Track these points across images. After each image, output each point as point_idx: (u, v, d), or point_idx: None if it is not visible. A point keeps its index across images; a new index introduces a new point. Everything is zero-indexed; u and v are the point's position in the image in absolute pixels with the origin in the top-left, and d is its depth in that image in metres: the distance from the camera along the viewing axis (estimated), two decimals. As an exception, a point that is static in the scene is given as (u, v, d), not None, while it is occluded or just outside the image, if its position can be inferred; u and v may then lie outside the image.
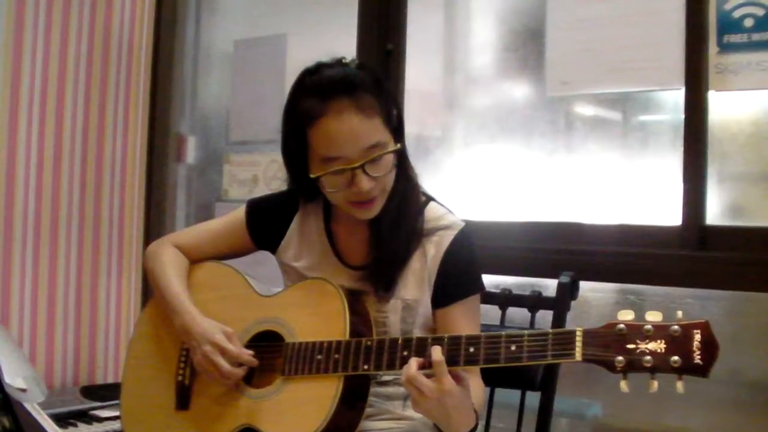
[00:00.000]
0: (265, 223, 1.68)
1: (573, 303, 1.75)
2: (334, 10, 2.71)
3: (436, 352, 1.30)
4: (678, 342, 1.17)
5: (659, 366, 1.18)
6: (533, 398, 1.71)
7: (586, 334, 1.23)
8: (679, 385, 1.17)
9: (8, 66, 2.55)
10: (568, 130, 2.22)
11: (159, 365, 1.65)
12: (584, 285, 1.80)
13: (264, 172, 2.75)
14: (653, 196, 2.04)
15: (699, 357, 1.16)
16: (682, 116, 1.93)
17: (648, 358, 1.18)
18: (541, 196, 2.22)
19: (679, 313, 1.20)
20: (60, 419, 2.23)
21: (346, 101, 1.41)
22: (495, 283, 1.97)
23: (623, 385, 1.19)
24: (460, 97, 2.51)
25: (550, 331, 1.29)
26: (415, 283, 1.53)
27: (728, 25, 1.86)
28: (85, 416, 2.32)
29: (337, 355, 1.42)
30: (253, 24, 2.97)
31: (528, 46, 2.26)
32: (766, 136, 1.90)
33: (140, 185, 2.96)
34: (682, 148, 1.93)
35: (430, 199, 1.60)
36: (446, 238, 1.53)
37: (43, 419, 1.17)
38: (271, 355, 1.52)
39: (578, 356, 1.22)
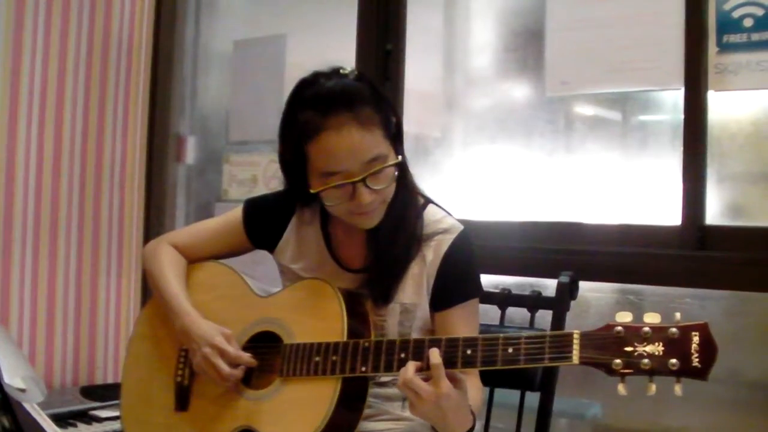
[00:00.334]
0: (263, 223, 1.67)
1: (572, 303, 1.75)
2: (334, 10, 2.71)
3: (434, 356, 1.29)
4: (676, 344, 1.17)
5: (657, 369, 1.17)
6: (533, 398, 1.70)
7: (584, 336, 1.23)
8: (678, 389, 1.17)
9: (8, 66, 2.55)
10: (567, 130, 2.22)
11: (158, 366, 1.65)
12: (584, 285, 1.80)
13: (263, 172, 2.76)
14: (653, 196, 2.04)
15: (697, 359, 1.15)
16: (682, 116, 1.93)
17: (646, 361, 1.18)
18: (541, 196, 2.22)
19: (677, 315, 1.19)
20: (60, 419, 2.23)
21: (346, 115, 1.39)
22: (494, 283, 1.97)
23: (621, 389, 1.19)
24: (459, 98, 2.51)
25: (548, 333, 1.28)
26: (414, 288, 1.52)
27: (728, 25, 1.86)
28: (84, 416, 2.32)
29: (335, 357, 1.42)
30: (253, 24, 2.97)
31: (527, 46, 2.26)
32: (765, 135, 1.90)
33: (140, 185, 2.96)
34: (681, 148, 1.93)
35: (428, 201, 1.60)
36: (444, 243, 1.52)
37: (43, 419, 1.17)
38: (270, 356, 1.52)
39: (575, 359, 1.22)
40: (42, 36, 2.64)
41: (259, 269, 1.73)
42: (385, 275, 1.51)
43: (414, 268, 1.52)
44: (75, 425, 2.26)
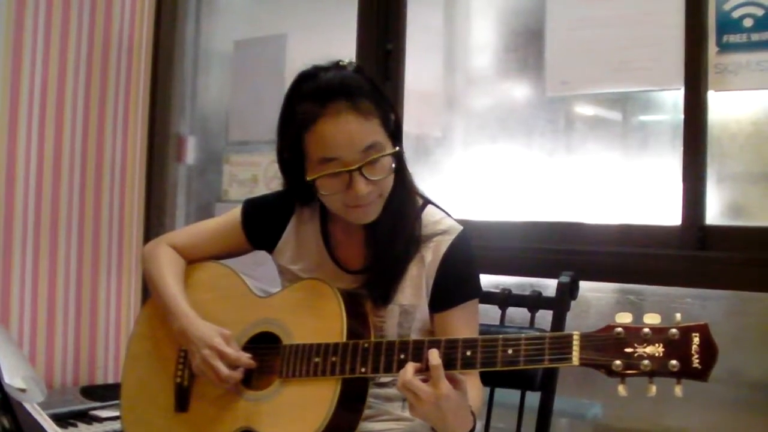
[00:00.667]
0: (262, 224, 1.67)
1: (573, 303, 1.75)
2: (334, 10, 2.71)
3: (434, 356, 1.29)
4: (676, 345, 1.16)
5: (657, 370, 1.17)
6: (533, 398, 1.70)
7: (584, 337, 1.22)
8: (678, 390, 1.16)
9: (8, 66, 2.55)
10: (567, 130, 2.21)
11: (157, 366, 1.64)
12: (584, 285, 1.80)
13: (264, 172, 2.76)
14: (653, 196, 2.04)
15: (698, 361, 1.15)
16: (682, 116, 1.93)
17: (646, 362, 1.17)
18: (541, 196, 2.22)
19: (678, 316, 1.19)
20: (60, 419, 2.23)
21: (344, 103, 1.40)
22: (495, 283, 1.97)
23: (621, 390, 1.19)
24: (459, 97, 2.50)
25: (547, 334, 1.28)
26: (413, 289, 1.52)
27: (728, 25, 1.85)
28: (85, 416, 2.32)
29: (334, 358, 1.41)
30: (253, 24, 2.97)
31: (528, 46, 2.26)
32: (765, 135, 1.90)
33: (140, 185, 2.96)
34: (681, 148, 1.93)
35: (427, 202, 1.59)
36: (443, 244, 1.52)
37: (43, 419, 1.17)
38: (269, 356, 1.52)
39: (575, 360, 1.22)
40: (42, 36, 2.64)
41: (259, 270, 1.73)
42: (384, 276, 1.51)
43: (413, 270, 1.52)
44: (75, 425, 2.26)
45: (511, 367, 1.28)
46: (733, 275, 1.82)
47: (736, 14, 1.85)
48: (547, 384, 1.69)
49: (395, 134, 1.50)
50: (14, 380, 1.14)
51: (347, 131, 1.39)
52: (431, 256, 1.52)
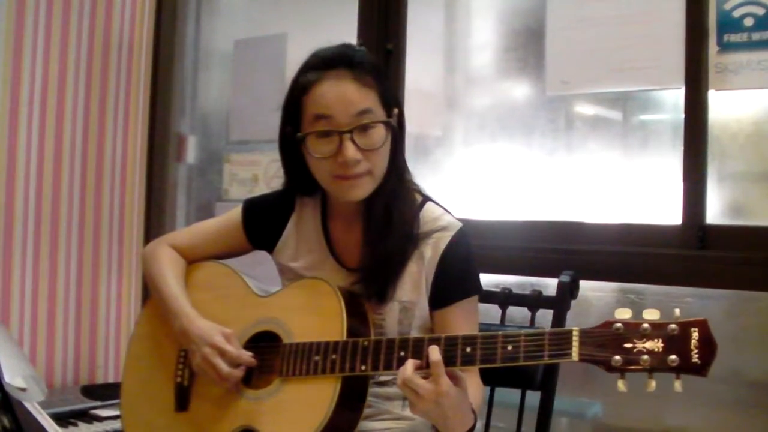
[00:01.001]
0: (262, 223, 1.67)
1: (573, 302, 1.75)
2: (334, 9, 2.71)
3: (434, 353, 1.29)
4: (675, 341, 1.17)
5: (657, 365, 1.17)
6: (533, 398, 1.70)
7: (583, 333, 1.23)
8: (677, 385, 1.16)
9: (8, 66, 2.55)
10: (568, 129, 2.21)
11: (158, 366, 1.65)
12: (584, 284, 1.80)
13: (264, 172, 2.76)
14: (653, 196, 2.04)
15: (697, 356, 1.15)
16: (682, 116, 1.93)
17: (645, 357, 1.18)
18: (541, 195, 2.22)
19: (677, 311, 1.19)
20: (60, 418, 2.23)
21: (345, 71, 1.44)
22: (495, 283, 1.97)
23: (621, 385, 1.19)
24: (460, 97, 2.50)
25: (547, 330, 1.28)
26: (412, 286, 1.52)
27: (728, 24, 1.85)
28: (85, 415, 2.32)
29: (334, 356, 1.41)
30: (253, 24, 2.97)
31: (528, 45, 2.26)
32: (766, 135, 1.90)
33: (140, 185, 2.96)
34: (682, 148, 1.93)
35: (427, 199, 1.60)
36: (443, 241, 1.52)
37: (44, 418, 1.17)
38: (269, 355, 1.52)
39: (575, 356, 1.22)
40: (42, 36, 2.64)
41: (259, 269, 1.73)
42: (381, 273, 1.51)
43: (412, 266, 1.52)
44: (76, 424, 2.26)
45: (511, 363, 1.28)
46: (733, 275, 1.82)
47: (736, 13, 1.84)
48: (547, 383, 1.69)
49: (399, 132, 1.52)
50: (14, 379, 1.14)
51: (343, 92, 1.43)
52: (431, 252, 1.52)
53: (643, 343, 1.19)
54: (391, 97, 1.52)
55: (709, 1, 1.88)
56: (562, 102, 2.21)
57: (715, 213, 1.91)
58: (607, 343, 1.20)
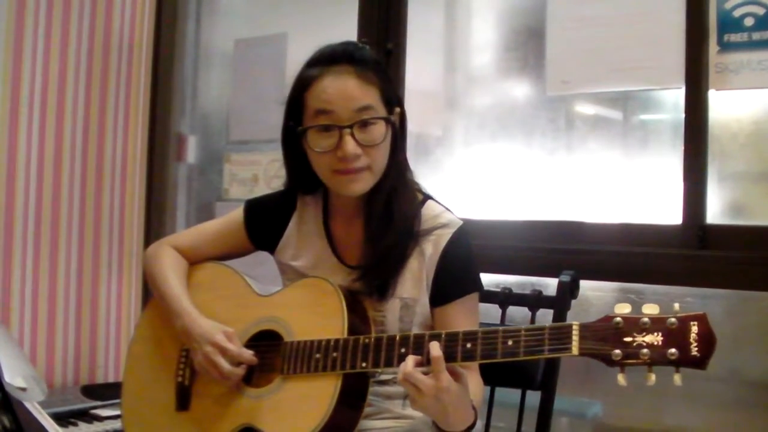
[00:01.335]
0: (264, 223, 1.68)
1: (573, 302, 1.74)
2: (335, 9, 2.71)
3: (435, 349, 1.29)
4: (675, 334, 1.17)
5: (656, 359, 1.17)
6: (533, 397, 1.70)
7: (583, 327, 1.23)
8: (677, 378, 1.17)
9: (8, 66, 2.55)
10: (568, 129, 2.21)
11: (159, 366, 1.65)
12: (584, 284, 1.80)
13: (264, 172, 2.75)
14: (654, 195, 2.04)
15: (696, 349, 1.15)
16: (683, 115, 1.93)
17: (645, 351, 1.18)
18: (542, 195, 2.22)
19: (676, 306, 1.19)
20: (60, 418, 2.23)
21: (347, 67, 1.47)
22: (495, 282, 1.97)
23: (621, 379, 1.19)
24: (460, 97, 2.50)
25: (547, 325, 1.28)
26: (413, 282, 1.53)
27: (728, 24, 1.85)
28: (85, 415, 2.32)
29: (335, 354, 1.42)
30: (254, 23, 2.97)
31: (528, 45, 2.26)
32: (766, 135, 1.90)
33: (140, 185, 2.96)
34: (682, 147, 1.93)
35: (427, 197, 1.60)
36: (443, 237, 1.53)
37: (44, 418, 1.17)
38: (270, 354, 1.52)
39: (575, 350, 1.22)
40: (43, 36, 2.64)
41: (260, 270, 1.73)
42: (382, 270, 1.51)
43: (413, 263, 1.53)
44: (76, 424, 2.26)
45: (511, 358, 1.28)
46: (733, 274, 1.82)
47: (737, 13, 1.84)
48: (547, 383, 1.69)
49: (401, 132, 1.53)
50: (15, 379, 1.14)
51: (344, 88, 1.45)
52: (431, 249, 1.52)
53: (643, 336, 1.19)
54: (394, 95, 1.54)
55: (710, 1, 1.88)
56: (562, 102, 2.21)
57: (715, 213, 1.91)
58: (607, 337, 1.21)
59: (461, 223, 1.56)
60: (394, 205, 1.52)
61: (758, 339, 1.94)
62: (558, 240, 2.10)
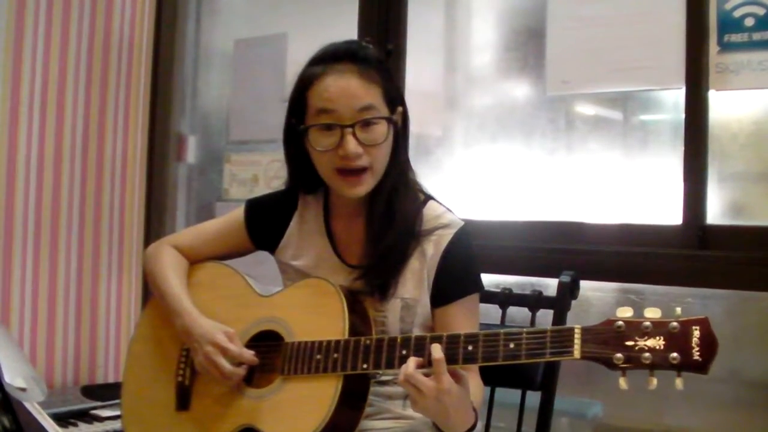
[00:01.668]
0: (264, 223, 1.68)
1: (573, 302, 1.75)
2: (335, 9, 2.70)
3: (436, 351, 1.29)
4: (677, 338, 1.17)
5: (658, 363, 1.17)
6: (534, 398, 1.70)
7: (585, 331, 1.23)
8: (679, 382, 1.17)
9: (8, 66, 2.55)
10: (568, 129, 2.21)
11: (159, 366, 1.65)
12: (585, 284, 1.80)
13: (264, 172, 2.75)
14: (654, 196, 2.04)
15: (698, 353, 1.15)
16: (683, 116, 1.93)
17: (647, 354, 1.18)
18: (542, 195, 2.22)
19: (678, 310, 1.19)
20: (60, 419, 2.22)
21: (350, 65, 1.46)
22: (495, 283, 1.97)
23: (622, 383, 1.19)
24: (460, 97, 2.50)
25: (549, 328, 1.28)
26: (414, 283, 1.53)
27: (729, 24, 1.85)
28: (85, 416, 2.32)
29: (336, 355, 1.42)
30: (254, 23, 2.97)
31: (528, 45, 2.26)
32: (766, 135, 1.90)
33: (140, 185, 2.96)
34: (682, 148, 1.93)
35: (429, 197, 1.60)
36: (445, 238, 1.53)
37: (44, 419, 1.17)
38: (271, 354, 1.52)
39: (577, 354, 1.22)
40: (42, 36, 2.64)
41: (260, 269, 1.73)
42: (383, 269, 1.51)
43: (414, 264, 1.53)
44: (76, 425, 2.26)
45: (512, 361, 1.28)
46: (733, 275, 1.82)
47: (737, 13, 1.84)
48: (547, 383, 1.69)
49: (403, 131, 1.54)
50: (15, 379, 1.14)
51: (346, 87, 1.45)
52: (433, 249, 1.52)
53: (645, 340, 1.19)
54: (396, 94, 1.54)
55: (710, 1, 1.88)
56: (562, 102, 2.21)
57: (715, 213, 1.91)
58: (609, 341, 1.21)
59: (462, 223, 1.56)
60: (395, 204, 1.52)
61: (758, 339, 1.94)
62: (558, 240, 2.09)
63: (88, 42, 2.76)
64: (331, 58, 1.48)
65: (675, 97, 1.98)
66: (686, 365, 1.16)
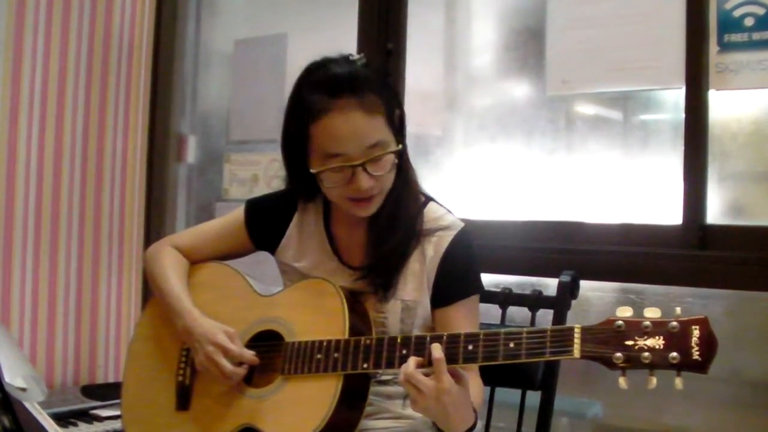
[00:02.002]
0: (265, 223, 1.68)
1: (573, 302, 1.74)
2: (335, 9, 2.71)
3: (437, 350, 1.30)
4: (676, 338, 1.17)
5: (658, 362, 1.17)
6: (534, 398, 1.70)
7: (585, 330, 1.23)
8: (678, 382, 1.17)
9: (8, 66, 2.55)
10: (568, 129, 2.21)
11: (159, 366, 1.65)
12: (585, 284, 1.80)
13: (264, 172, 2.75)
14: (654, 195, 2.04)
15: (698, 353, 1.15)
16: (683, 115, 1.93)
17: (646, 354, 1.18)
18: (542, 195, 2.22)
19: (678, 310, 1.20)
20: (60, 418, 2.23)
21: (352, 100, 1.42)
22: (495, 282, 1.97)
23: (622, 382, 1.19)
24: (460, 97, 2.50)
25: (549, 328, 1.28)
26: (414, 284, 1.53)
27: (728, 24, 1.85)
28: (85, 415, 2.32)
29: (336, 354, 1.42)
30: (254, 23, 2.97)
31: (528, 45, 2.26)
32: (766, 135, 1.90)
33: (140, 185, 2.96)
34: (682, 147, 1.93)
35: (429, 199, 1.60)
36: (445, 239, 1.53)
37: (44, 419, 1.17)
38: (271, 354, 1.52)
39: (576, 353, 1.22)
40: (43, 36, 2.64)
41: (260, 269, 1.73)
42: (385, 271, 1.51)
43: (415, 265, 1.53)
44: (76, 424, 2.26)
45: (513, 360, 1.28)
46: (734, 274, 1.82)
47: (737, 13, 1.84)
48: (547, 383, 1.69)
49: (399, 130, 1.52)
50: (15, 379, 1.14)
51: (353, 128, 1.42)
52: (433, 251, 1.52)
53: (645, 340, 1.19)
54: (395, 103, 1.51)
55: (710, 1, 1.88)
56: (562, 102, 2.21)
57: (715, 213, 1.91)
58: (609, 340, 1.21)
59: (463, 225, 1.56)
60: (399, 211, 1.52)
61: (758, 339, 1.94)
62: (558, 240, 2.10)
63: (88, 42, 2.76)
64: (330, 90, 1.43)
65: (675, 96, 1.98)
66: (686, 365, 1.16)
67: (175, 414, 1.59)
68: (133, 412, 1.67)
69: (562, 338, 1.24)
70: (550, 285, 1.80)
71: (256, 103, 2.81)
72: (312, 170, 1.47)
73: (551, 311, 1.73)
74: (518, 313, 1.82)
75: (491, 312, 1.80)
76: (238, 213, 1.71)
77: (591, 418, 2.19)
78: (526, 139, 2.27)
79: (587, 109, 2.23)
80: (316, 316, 1.49)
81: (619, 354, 1.19)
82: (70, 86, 2.72)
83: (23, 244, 2.61)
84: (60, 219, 2.70)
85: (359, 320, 1.47)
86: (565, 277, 1.73)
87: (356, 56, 1.50)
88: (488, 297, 1.76)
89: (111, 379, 2.81)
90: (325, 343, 1.44)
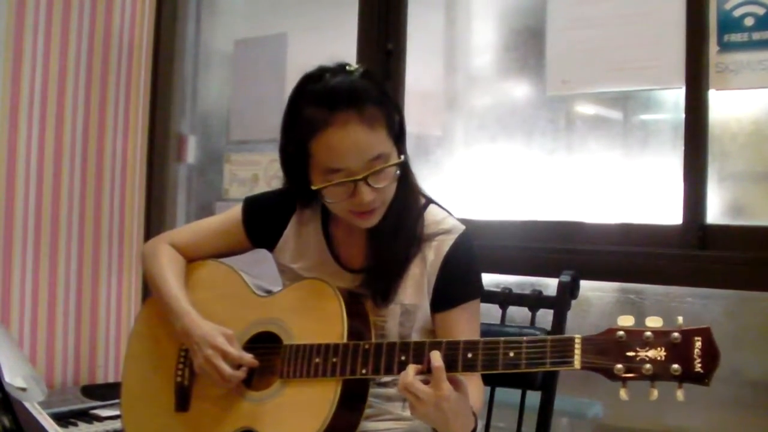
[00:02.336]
0: (262, 222, 1.67)
1: (573, 302, 1.74)
2: (335, 9, 2.70)
3: (436, 358, 1.29)
4: (678, 349, 1.16)
5: (659, 374, 1.16)
6: (534, 398, 1.70)
7: (585, 341, 1.22)
8: (680, 394, 1.16)
9: (8, 66, 2.55)
10: (568, 129, 2.21)
11: (158, 365, 1.64)
12: (585, 284, 1.80)
13: (264, 172, 2.75)
14: (654, 195, 2.04)
15: (699, 365, 1.15)
16: (683, 115, 1.93)
17: (648, 366, 1.17)
18: (542, 195, 2.22)
19: (680, 319, 1.18)
20: (60, 418, 2.22)
21: (352, 113, 1.39)
22: (495, 282, 1.97)
23: (623, 394, 1.18)
24: (460, 97, 2.50)
25: (549, 337, 1.28)
26: (414, 288, 1.52)
27: (729, 24, 1.85)
28: (85, 415, 2.32)
29: (335, 359, 1.41)
30: (254, 23, 2.97)
31: (528, 45, 2.26)
32: (766, 135, 1.90)
33: (140, 185, 2.96)
34: (682, 147, 1.93)
35: (429, 201, 1.60)
36: (446, 243, 1.52)
37: (44, 418, 1.17)
38: (270, 357, 1.52)
39: (577, 364, 1.22)
40: (43, 36, 2.64)
41: (259, 268, 1.72)
42: (385, 274, 1.51)
43: (415, 269, 1.52)
44: (76, 424, 2.26)
45: (512, 369, 1.28)
46: (733, 275, 1.82)
47: (737, 13, 1.84)
48: (547, 383, 1.69)
49: (399, 137, 1.50)
50: (15, 379, 1.14)
51: (354, 143, 1.39)
52: (433, 255, 1.52)
53: (646, 351, 1.18)
54: (394, 110, 1.48)
55: (710, 1, 1.87)
56: (562, 102, 2.21)
57: (715, 213, 1.91)
58: (610, 351, 1.20)
59: (464, 228, 1.55)
60: (400, 216, 1.51)
61: (758, 339, 1.94)
62: (558, 240, 2.09)
63: (88, 42, 2.76)
64: (329, 103, 1.40)
65: (675, 96, 1.98)
66: (687, 377, 1.15)
67: (174, 415, 1.59)
68: (133, 413, 1.67)
69: (563, 348, 1.24)
70: (550, 285, 1.80)
71: (256, 103, 2.81)
72: (313, 187, 1.45)
73: (551, 311, 1.73)
74: (518, 313, 1.81)
75: (491, 312, 1.80)
76: (236, 211, 1.70)
77: (591, 418, 2.19)
78: (526, 139, 2.27)
79: (587, 109, 2.23)
80: (314, 318, 1.48)
81: (620, 365, 1.19)
82: (70, 86, 2.72)
83: (23, 244, 2.61)
84: (60, 219, 2.70)
85: (358, 323, 1.47)
86: (565, 277, 1.73)
87: (353, 66, 1.46)
88: (488, 297, 1.76)
89: (111, 379, 2.80)
90: (323, 347, 1.43)
